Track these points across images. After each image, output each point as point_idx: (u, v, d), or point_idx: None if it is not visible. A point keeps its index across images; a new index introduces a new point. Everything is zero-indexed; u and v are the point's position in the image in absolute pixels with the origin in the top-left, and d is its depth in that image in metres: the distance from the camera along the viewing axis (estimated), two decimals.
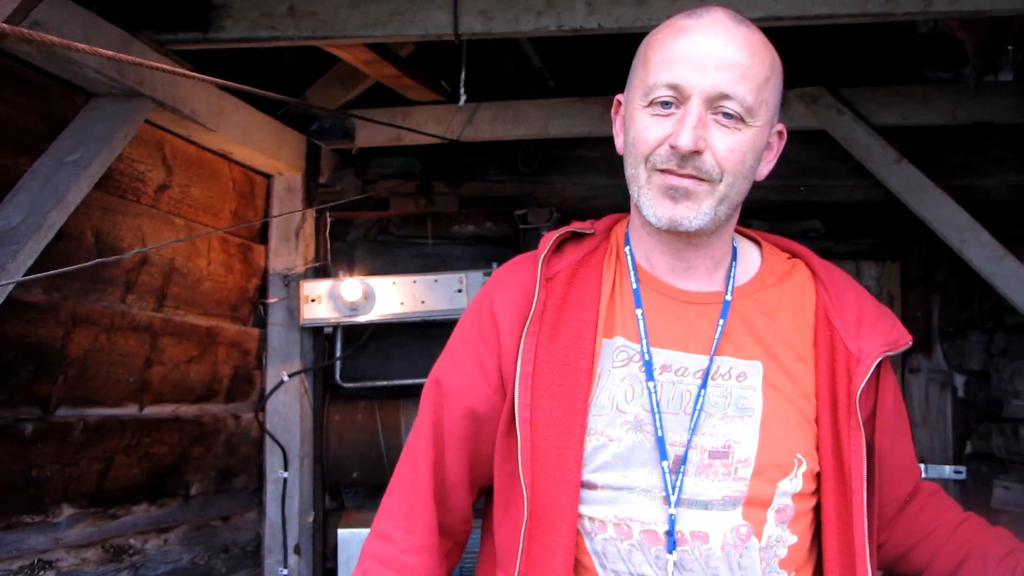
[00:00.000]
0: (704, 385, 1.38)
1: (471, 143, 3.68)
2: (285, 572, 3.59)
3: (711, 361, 1.39)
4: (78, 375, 2.64)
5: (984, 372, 3.75)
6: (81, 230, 2.61)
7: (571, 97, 3.59)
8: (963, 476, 3.72)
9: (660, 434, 1.35)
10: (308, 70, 3.64)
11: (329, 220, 3.83)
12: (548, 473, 1.35)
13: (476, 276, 3.63)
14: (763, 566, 1.36)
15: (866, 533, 1.36)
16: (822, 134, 3.46)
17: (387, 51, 3.17)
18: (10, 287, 2.16)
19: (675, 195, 1.34)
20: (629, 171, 1.39)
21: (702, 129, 1.31)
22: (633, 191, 1.39)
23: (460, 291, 3.61)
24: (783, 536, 1.37)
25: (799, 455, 1.37)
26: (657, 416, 1.36)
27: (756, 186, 1.45)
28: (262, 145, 3.37)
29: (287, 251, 3.68)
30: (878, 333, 1.42)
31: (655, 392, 1.37)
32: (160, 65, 2.21)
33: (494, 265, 3.68)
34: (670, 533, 1.34)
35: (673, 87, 1.33)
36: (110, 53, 1.85)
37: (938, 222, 3.33)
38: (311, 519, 3.71)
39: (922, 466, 3.65)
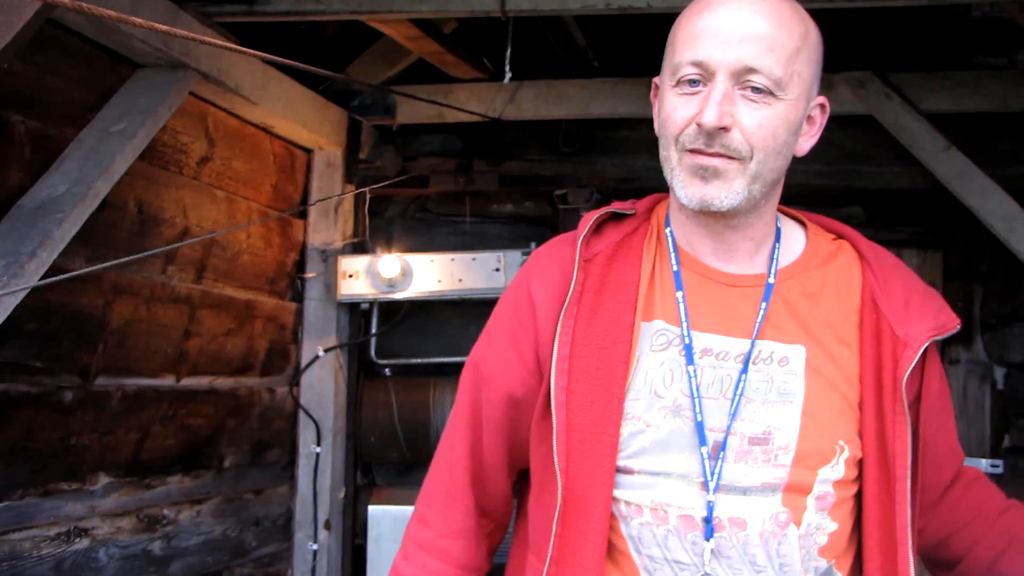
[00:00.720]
0: (745, 370, 1.35)
1: (512, 122, 3.66)
2: (315, 547, 3.62)
3: (752, 345, 1.36)
4: (118, 345, 2.66)
5: None
6: (125, 200, 2.63)
7: (615, 77, 3.56)
8: (1000, 470, 3.64)
9: (699, 419, 1.33)
10: (350, 45, 3.63)
11: (368, 196, 3.83)
12: (583, 458, 1.33)
13: (514, 255, 3.62)
14: (802, 554, 1.33)
15: (909, 521, 1.33)
16: (867, 119, 3.40)
17: (431, 27, 3.16)
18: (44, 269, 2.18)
19: (705, 175, 1.31)
20: (662, 152, 1.36)
21: (728, 105, 1.28)
22: (666, 172, 1.36)
23: (498, 270, 3.60)
24: (823, 523, 1.34)
25: (841, 442, 1.34)
26: (697, 401, 1.34)
27: (798, 171, 1.41)
28: (304, 119, 3.38)
29: (325, 226, 3.70)
30: (926, 317, 1.38)
31: (695, 377, 1.35)
32: (212, 40, 2.23)
33: (532, 245, 3.66)
34: (708, 519, 1.31)
35: (698, 64, 1.29)
36: (164, 27, 1.85)
37: (985, 211, 3.27)
38: (342, 495, 3.74)
39: None
